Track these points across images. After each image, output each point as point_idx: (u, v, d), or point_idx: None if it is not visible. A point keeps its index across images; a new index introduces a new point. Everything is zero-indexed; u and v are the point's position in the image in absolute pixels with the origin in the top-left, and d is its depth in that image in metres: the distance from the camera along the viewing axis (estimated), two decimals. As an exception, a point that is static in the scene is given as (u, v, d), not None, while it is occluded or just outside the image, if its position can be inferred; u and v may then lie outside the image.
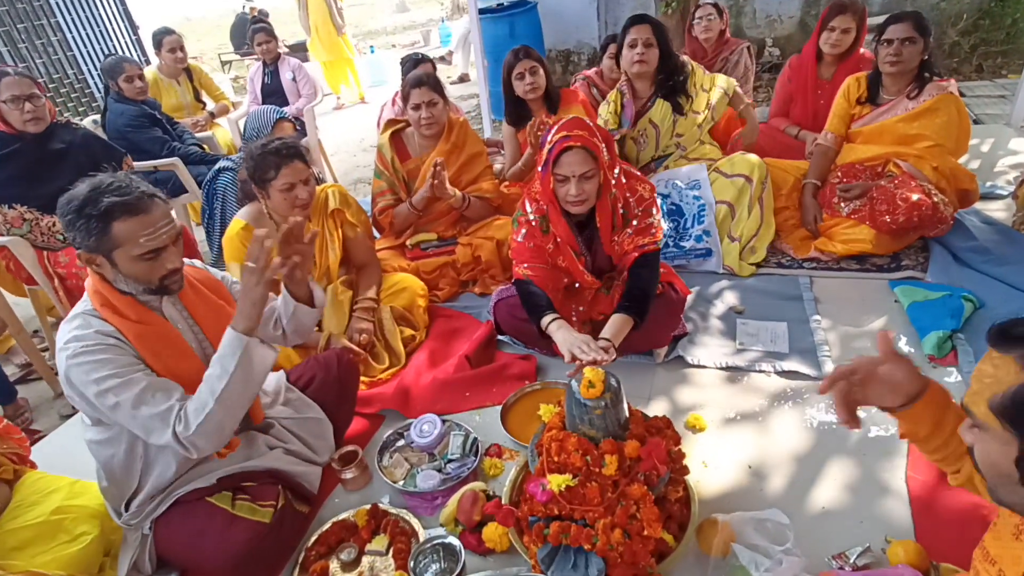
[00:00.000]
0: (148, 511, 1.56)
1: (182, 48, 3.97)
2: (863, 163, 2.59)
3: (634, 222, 1.95)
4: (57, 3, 6.84)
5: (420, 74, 2.61)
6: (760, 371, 2.03)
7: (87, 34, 7.21)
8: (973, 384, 0.85)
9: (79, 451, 2.08)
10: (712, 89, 2.78)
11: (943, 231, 2.40)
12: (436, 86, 2.61)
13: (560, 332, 1.83)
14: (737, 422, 1.86)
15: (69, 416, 2.53)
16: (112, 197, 1.39)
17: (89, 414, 1.49)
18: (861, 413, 1.13)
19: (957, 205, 2.51)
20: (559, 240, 1.98)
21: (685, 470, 1.50)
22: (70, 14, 7.01)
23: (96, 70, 7.33)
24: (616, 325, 1.84)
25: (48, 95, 2.49)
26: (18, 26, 6.52)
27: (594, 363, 1.65)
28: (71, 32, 7.03)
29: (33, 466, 1.85)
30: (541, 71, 2.86)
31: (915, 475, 1.59)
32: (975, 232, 2.47)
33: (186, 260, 1.67)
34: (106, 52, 7.42)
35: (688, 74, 2.73)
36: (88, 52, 7.21)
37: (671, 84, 2.71)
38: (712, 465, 1.72)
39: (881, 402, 1.09)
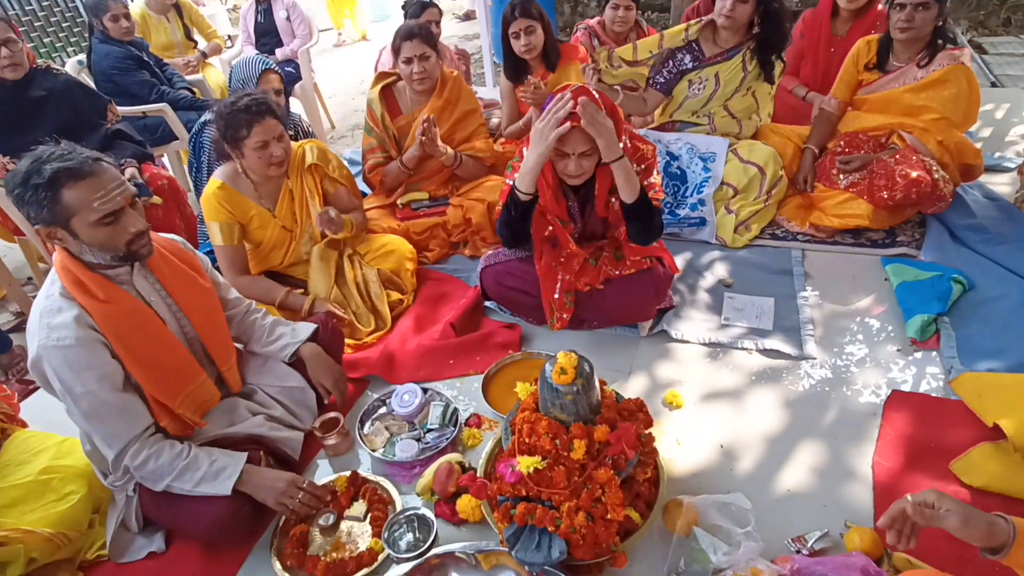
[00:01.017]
0: (128, 478, 1.60)
1: None
2: (867, 132, 2.51)
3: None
4: (44, -74, 6.50)
5: (412, 25, 2.50)
6: (742, 348, 2.04)
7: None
8: None
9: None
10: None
11: (941, 208, 2.34)
12: (428, 39, 2.50)
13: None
14: (714, 400, 1.88)
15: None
16: (55, 164, 1.37)
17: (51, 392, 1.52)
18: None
19: (959, 180, 2.45)
20: (548, 212, 1.95)
21: (654, 453, 1.52)
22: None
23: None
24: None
25: (34, 34, 2.41)
26: (3, -50, 6.22)
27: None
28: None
29: (23, 424, 1.90)
30: (539, 29, 2.73)
31: (882, 461, 1.62)
32: (975, 208, 2.42)
33: (161, 235, 1.67)
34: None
35: (787, 40, 2.52)
36: (77, -23, 6.92)
37: (767, 42, 2.49)
38: (686, 443, 1.75)
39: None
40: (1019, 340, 1.87)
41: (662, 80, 2.67)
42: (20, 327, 2.93)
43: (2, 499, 1.58)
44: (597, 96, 1.77)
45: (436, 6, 3.20)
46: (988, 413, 1.63)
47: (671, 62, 2.64)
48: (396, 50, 2.51)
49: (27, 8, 6.40)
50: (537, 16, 2.75)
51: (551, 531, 1.33)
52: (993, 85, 3.78)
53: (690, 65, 2.62)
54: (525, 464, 1.38)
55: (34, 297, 2.93)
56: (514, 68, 2.90)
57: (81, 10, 6.97)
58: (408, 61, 2.47)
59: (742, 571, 1.33)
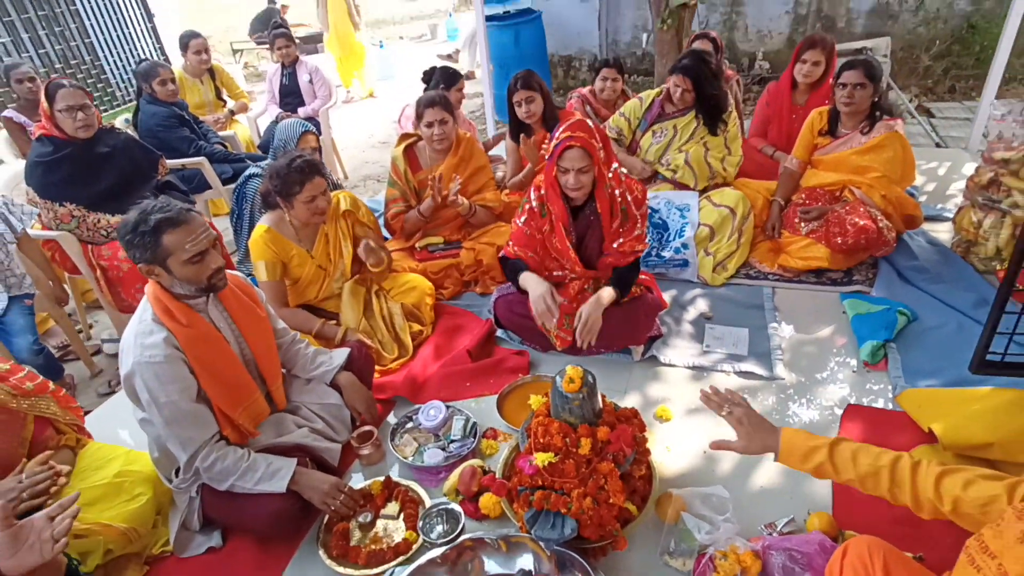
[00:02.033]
0: (194, 479, 1.86)
1: (207, 50, 4.23)
2: (823, 187, 2.91)
3: (636, 227, 2.28)
4: (77, -9, 7.02)
5: (433, 95, 2.89)
6: (721, 371, 2.36)
7: (104, 21, 7.39)
8: None
9: (120, 426, 2.41)
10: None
11: (887, 252, 2.72)
12: (447, 106, 2.89)
13: (531, 281, 2.27)
14: (698, 414, 2.18)
15: (107, 395, 2.83)
16: (158, 215, 1.68)
17: (136, 402, 1.79)
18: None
19: (904, 228, 2.83)
20: (554, 220, 2.30)
21: (647, 452, 1.81)
22: (89, 2, 7.18)
23: (112, 56, 7.54)
24: (599, 296, 2.24)
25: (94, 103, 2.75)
26: (38, 13, 6.70)
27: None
28: (89, 19, 7.22)
29: (90, 436, 2.14)
30: (538, 98, 3.14)
31: (839, 462, 1.91)
32: (917, 252, 2.80)
33: (228, 271, 1.98)
34: (122, 39, 7.61)
35: (728, 111, 3.04)
36: (105, 39, 7.40)
37: (710, 107, 3.02)
38: (674, 450, 2.04)
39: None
40: (953, 363, 2.20)
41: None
42: (63, 359, 3.18)
43: (83, 498, 1.79)
44: (593, 127, 2.15)
45: (463, 76, 3.62)
46: (925, 421, 1.95)
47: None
48: (419, 115, 2.89)
49: (56, 67, 6.85)
50: (536, 87, 3.17)
51: (564, 513, 1.61)
52: (938, 145, 4.25)
53: (644, 127, 3.19)
54: (541, 459, 1.67)
55: (79, 330, 3.22)
56: (517, 129, 3.30)
57: (104, 65, 7.46)
58: (430, 125, 2.85)
59: (723, 547, 1.61)
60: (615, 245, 2.27)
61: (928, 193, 3.54)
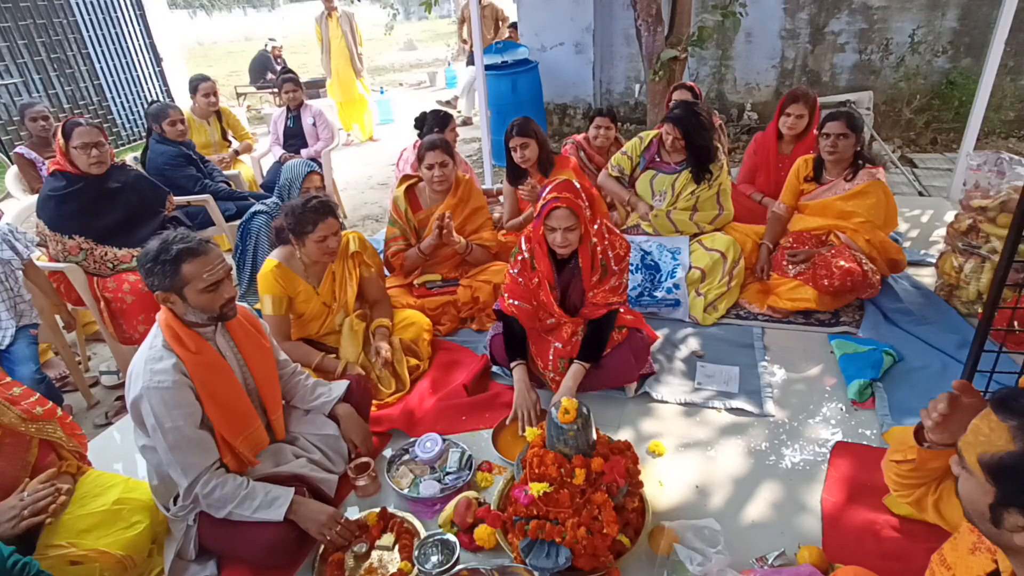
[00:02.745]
0: (193, 506, 1.88)
1: (215, 93, 4.39)
2: (810, 232, 3.02)
3: (612, 279, 2.34)
4: (89, 36, 7.29)
5: (435, 138, 3.02)
6: (712, 407, 2.40)
7: (113, 64, 7.65)
8: (969, 435, 1.01)
9: (114, 458, 2.43)
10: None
11: (872, 294, 2.82)
12: (447, 149, 3.02)
13: (518, 385, 2.33)
14: (690, 449, 2.22)
15: (104, 426, 2.84)
16: (180, 245, 1.76)
17: (140, 427, 1.83)
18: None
19: (888, 272, 2.93)
20: (540, 277, 2.37)
21: (640, 484, 1.85)
22: (100, 46, 7.46)
23: (120, 98, 7.77)
24: (571, 379, 2.29)
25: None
26: (50, 55, 6.94)
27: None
28: (99, 62, 7.48)
29: (90, 464, 2.16)
30: (533, 144, 3.27)
31: (828, 496, 1.95)
32: (902, 295, 2.89)
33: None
34: (130, 81, 7.87)
35: (715, 163, 3.15)
36: (113, 80, 7.65)
37: (698, 157, 3.13)
38: (667, 484, 2.07)
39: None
40: (938, 401, 2.26)
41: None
42: (62, 390, 3.19)
43: (82, 524, 1.83)
44: (579, 187, 2.25)
45: (452, 117, 3.77)
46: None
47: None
48: (420, 158, 3.01)
49: (65, 107, 7.05)
50: (532, 134, 3.30)
51: (558, 543, 1.64)
52: (920, 194, 4.42)
53: (643, 165, 3.34)
54: (536, 489, 1.70)
55: (78, 362, 3.24)
56: (514, 174, 3.42)
57: (111, 105, 7.68)
58: (430, 167, 2.97)
59: (714, 579, 1.63)
60: (590, 295, 2.35)
61: (912, 239, 3.66)
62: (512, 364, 2.37)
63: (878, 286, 2.81)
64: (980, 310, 2.72)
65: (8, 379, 1.90)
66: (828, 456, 2.11)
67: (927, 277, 3.13)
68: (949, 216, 3.78)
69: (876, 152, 5.03)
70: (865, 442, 2.17)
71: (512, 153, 3.32)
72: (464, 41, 8.15)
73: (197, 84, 4.34)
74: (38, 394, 1.93)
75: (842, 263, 2.72)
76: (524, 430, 2.18)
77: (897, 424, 2.19)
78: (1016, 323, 2.37)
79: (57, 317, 2.99)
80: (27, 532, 1.67)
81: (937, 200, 4.16)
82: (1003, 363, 2.11)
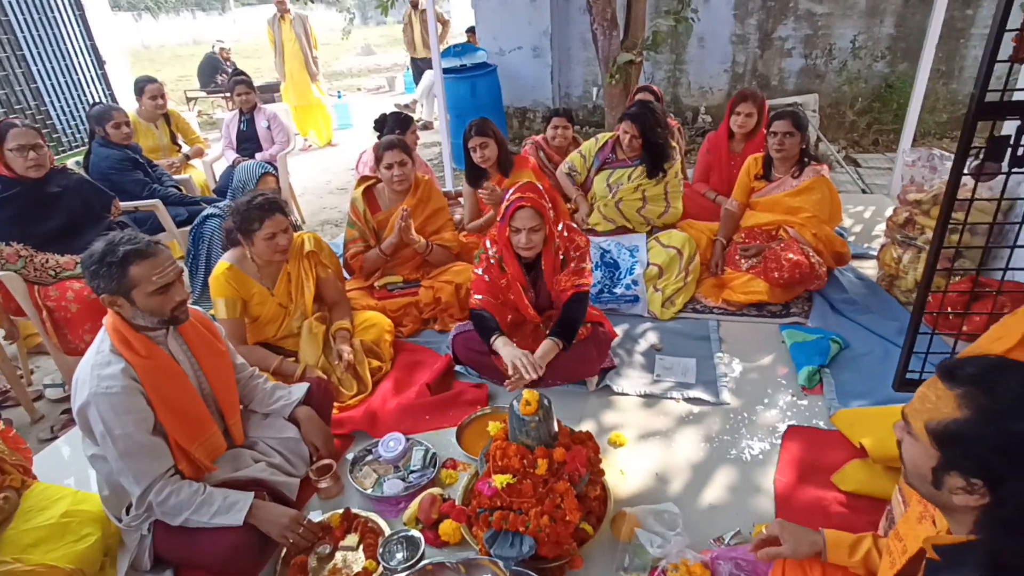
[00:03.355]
0: (147, 515, 1.82)
1: (163, 95, 4.26)
2: (761, 227, 3.13)
3: (572, 264, 2.38)
4: (24, 37, 6.97)
5: (392, 138, 3.01)
6: (671, 398, 2.46)
7: (52, 67, 7.33)
8: (916, 403, 1.04)
9: (65, 471, 2.34)
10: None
11: (820, 285, 2.94)
12: (405, 148, 3.01)
13: (505, 348, 2.28)
14: (650, 439, 2.27)
15: (49, 440, 2.72)
16: (127, 246, 1.71)
17: (88, 435, 1.77)
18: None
19: (833, 264, 3.06)
20: (511, 279, 2.39)
21: (601, 472, 1.88)
22: (36, 47, 7.14)
23: (59, 102, 7.45)
24: (545, 348, 2.28)
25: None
26: (-16, 58, 6.61)
27: (529, 384, 2.09)
28: (36, 64, 7.15)
29: (35, 478, 2.07)
30: (492, 143, 3.29)
31: (781, 478, 2.03)
32: (847, 286, 3.03)
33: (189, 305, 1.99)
34: (71, 84, 7.56)
35: (670, 159, 3.25)
36: (52, 84, 7.32)
37: (654, 153, 3.23)
38: (628, 473, 2.12)
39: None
40: (881, 384, 2.38)
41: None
42: (2, 404, 3.05)
43: (28, 539, 1.76)
44: (542, 188, 2.28)
45: (413, 119, 3.76)
46: (856, 437, 2.08)
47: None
48: (378, 158, 3.00)
49: (0, 112, 6.73)
50: (491, 134, 3.31)
51: (522, 532, 1.65)
52: (864, 192, 4.62)
53: (597, 164, 3.41)
54: (499, 480, 1.72)
55: (20, 375, 3.10)
56: (473, 175, 3.44)
57: (51, 110, 7.37)
58: (389, 167, 2.96)
59: (674, 560, 1.67)
60: (554, 286, 2.39)
61: (856, 234, 3.83)
62: (493, 339, 2.32)
63: (825, 278, 2.93)
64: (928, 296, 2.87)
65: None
66: (780, 440, 2.19)
67: (870, 269, 3.28)
68: (890, 211, 3.97)
69: (822, 152, 5.24)
70: (816, 425, 2.26)
71: (472, 153, 3.33)
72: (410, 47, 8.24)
73: (144, 86, 4.21)
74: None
75: (791, 256, 2.83)
76: (529, 374, 2.18)
77: (844, 407, 2.29)
78: (948, 308, 2.50)
79: (-4, 328, 2.86)
80: None
81: (879, 197, 4.37)
82: (936, 345, 2.23)
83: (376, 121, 3.80)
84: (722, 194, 3.66)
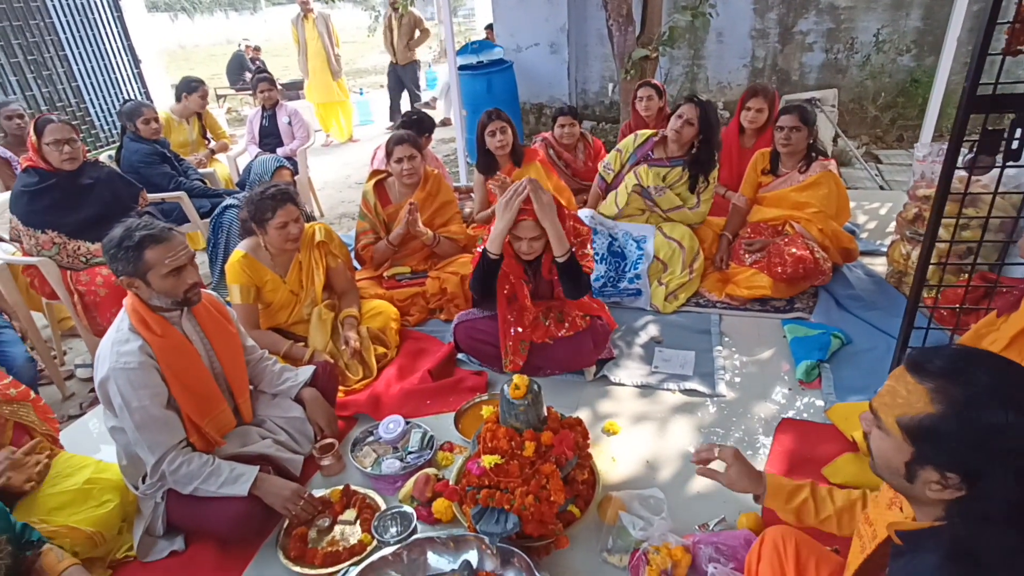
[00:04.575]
0: (160, 484, 1.94)
1: (206, 96, 4.46)
2: (767, 222, 3.14)
3: (572, 249, 2.43)
4: (67, 38, 7.28)
5: (402, 133, 3.10)
6: (667, 389, 2.50)
7: (91, 66, 7.65)
8: (886, 396, 1.02)
9: (90, 444, 2.49)
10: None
11: (824, 281, 2.94)
12: (415, 143, 3.10)
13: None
14: (643, 428, 2.31)
15: (75, 417, 2.89)
16: (143, 232, 1.84)
17: (108, 407, 1.90)
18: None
19: (840, 260, 3.06)
20: (513, 280, 2.47)
21: (589, 457, 1.94)
22: (77, 48, 7.45)
23: (97, 99, 7.77)
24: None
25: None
26: (27, 57, 6.93)
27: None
28: (76, 64, 7.47)
29: (62, 447, 2.22)
30: (510, 131, 3.37)
31: (771, 469, 2.05)
32: (854, 282, 3.01)
33: (203, 290, 2.11)
34: (108, 83, 7.87)
35: (713, 171, 3.11)
36: (91, 83, 7.64)
37: (699, 161, 3.07)
38: (619, 460, 2.17)
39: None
40: (880, 379, 2.35)
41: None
42: (38, 382, 3.22)
43: (54, 502, 1.89)
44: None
45: (433, 125, 3.84)
46: (849, 431, 2.10)
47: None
48: (389, 153, 3.09)
49: (42, 109, 7.05)
50: (508, 120, 3.40)
51: (507, 510, 1.72)
52: (882, 188, 4.56)
53: (634, 160, 3.27)
54: (488, 461, 1.78)
55: (54, 356, 3.28)
56: (486, 163, 3.51)
57: (89, 107, 7.69)
58: (399, 161, 3.05)
59: (656, 543, 1.72)
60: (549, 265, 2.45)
61: (869, 231, 3.80)
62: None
63: (829, 273, 2.92)
64: (926, 295, 2.85)
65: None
66: (773, 432, 2.21)
67: (880, 266, 3.25)
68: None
69: (840, 148, 5.17)
70: (809, 419, 2.27)
71: (489, 138, 3.39)
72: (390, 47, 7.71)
73: (197, 85, 4.41)
74: (10, 377, 1.98)
75: (794, 251, 2.83)
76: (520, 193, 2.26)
77: (841, 402, 2.30)
78: (956, 305, 2.49)
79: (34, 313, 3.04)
80: (3, 494, 1.74)
81: (897, 193, 4.31)
82: (933, 339, 2.23)
83: (403, 121, 3.90)
84: (732, 189, 3.67)
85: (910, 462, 0.98)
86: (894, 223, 3.72)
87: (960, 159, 1.79)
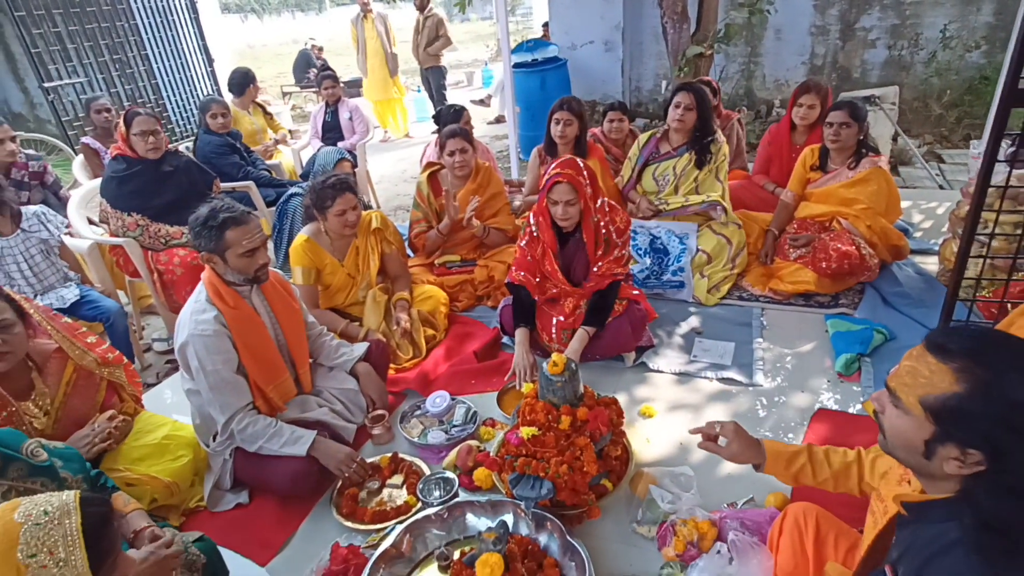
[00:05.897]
0: (229, 442, 2.14)
1: (256, 87, 4.79)
2: (814, 218, 3.13)
3: (616, 251, 2.52)
4: (148, 39, 7.81)
5: (455, 127, 3.25)
6: (704, 377, 2.56)
7: (169, 64, 8.17)
8: (906, 377, 1.02)
9: (166, 409, 2.73)
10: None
11: (870, 277, 2.92)
12: (467, 137, 3.24)
13: (518, 347, 2.54)
14: (678, 412, 2.38)
15: (151, 386, 3.16)
16: (226, 214, 2.04)
17: (186, 370, 2.11)
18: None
19: (889, 257, 3.02)
20: (544, 247, 2.57)
21: (623, 434, 2.03)
22: (157, 48, 7.97)
23: (174, 96, 8.31)
24: (577, 341, 2.48)
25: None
26: (113, 57, 7.47)
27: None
28: (156, 63, 8.00)
29: (144, 407, 2.46)
30: (576, 124, 3.42)
31: (803, 456, 2.08)
32: (902, 279, 2.98)
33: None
34: (184, 80, 8.39)
35: (716, 140, 3.20)
36: (169, 80, 8.16)
37: (701, 142, 3.19)
38: (654, 441, 2.24)
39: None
40: (922, 375, 2.36)
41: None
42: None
43: (135, 454, 2.12)
44: (581, 165, 2.43)
45: (466, 109, 3.98)
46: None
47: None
48: (442, 146, 3.25)
49: (124, 105, 7.59)
50: (577, 113, 3.44)
51: (542, 476, 1.83)
52: (941, 188, 4.42)
53: (640, 162, 3.41)
54: (526, 432, 1.90)
55: (134, 330, 3.58)
56: (551, 147, 3.59)
57: (167, 103, 8.21)
58: (451, 154, 3.20)
59: (684, 516, 1.80)
60: (595, 268, 2.53)
61: (924, 229, 3.71)
62: (516, 329, 2.56)
63: (876, 270, 2.90)
64: (976, 294, 2.79)
65: (84, 328, 2.20)
66: (808, 421, 2.24)
67: (932, 264, 3.19)
68: (963, 209, 3.81)
69: (900, 147, 5.03)
70: (846, 411, 2.29)
71: (553, 126, 3.46)
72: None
73: (253, 80, 4.72)
74: (107, 342, 2.22)
75: (839, 246, 2.83)
76: (521, 385, 2.41)
77: (879, 395, 2.30)
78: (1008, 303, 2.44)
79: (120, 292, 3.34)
80: (98, 456, 1.97)
81: (955, 193, 4.17)
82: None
83: (433, 116, 4.07)
84: (781, 186, 3.66)
85: (930, 440, 1.00)
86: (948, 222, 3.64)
87: (1001, 153, 1.78)
